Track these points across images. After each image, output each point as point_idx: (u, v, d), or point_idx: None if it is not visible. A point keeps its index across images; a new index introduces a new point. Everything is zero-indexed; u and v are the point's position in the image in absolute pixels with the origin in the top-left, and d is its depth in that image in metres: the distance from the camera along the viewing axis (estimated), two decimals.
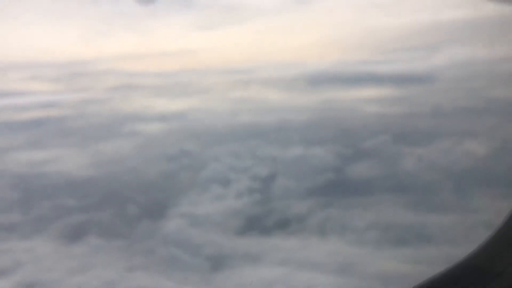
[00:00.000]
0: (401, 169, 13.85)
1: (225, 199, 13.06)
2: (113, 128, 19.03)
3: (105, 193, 13.80)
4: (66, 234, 11.61)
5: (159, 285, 9.82)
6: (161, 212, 12.32)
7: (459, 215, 11.08)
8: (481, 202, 11.04)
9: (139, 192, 13.65)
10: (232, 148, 15.75)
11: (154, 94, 22.50)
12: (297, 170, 14.22)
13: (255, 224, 11.78)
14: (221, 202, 12.95)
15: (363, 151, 14.89)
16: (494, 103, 15.85)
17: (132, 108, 21.50)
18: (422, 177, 13.42)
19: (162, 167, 15.42)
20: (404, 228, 10.86)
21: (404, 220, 11.23)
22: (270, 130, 17.20)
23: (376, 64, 21.76)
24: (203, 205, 12.95)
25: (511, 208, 2.15)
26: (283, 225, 11.64)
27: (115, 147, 17.22)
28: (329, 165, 14.41)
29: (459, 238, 9.53)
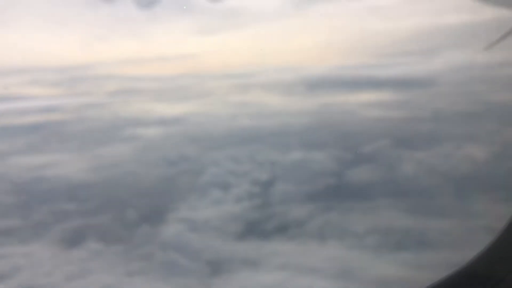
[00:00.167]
0: (401, 173, 13.82)
1: (224, 204, 13.03)
2: (113, 133, 19.00)
3: (104, 197, 13.78)
4: (65, 239, 11.57)
5: None
6: (160, 216, 12.29)
7: (459, 220, 11.03)
8: (482, 207, 10.99)
9: (139, 197, 13.62)
10: (231, 153, 15.72)
11: (154, 98, 22.45)
12: (296, 174, 14.20)
13: (255, 228, 11.75)
14: (220, 207, 12.91)
15: (362, 155, 14.86)
16: (494, 107, 15.82)
17: (132, 112, 21.46)
18: (422, 182, 13.38)
19: (162, 172, 15.39)
20: (404, 233, 10.82)
21: (404, 224, 11.18)
22: (269, 134, 17.17)
23: (375, 68, 21.72)
24: (203, 209, 12.91)
25: None
26: (283, 229, 11.60)
27: (115, 152, 17.19)
28: (328, 169, 14.38)
29: (460, 243, 9.49)
